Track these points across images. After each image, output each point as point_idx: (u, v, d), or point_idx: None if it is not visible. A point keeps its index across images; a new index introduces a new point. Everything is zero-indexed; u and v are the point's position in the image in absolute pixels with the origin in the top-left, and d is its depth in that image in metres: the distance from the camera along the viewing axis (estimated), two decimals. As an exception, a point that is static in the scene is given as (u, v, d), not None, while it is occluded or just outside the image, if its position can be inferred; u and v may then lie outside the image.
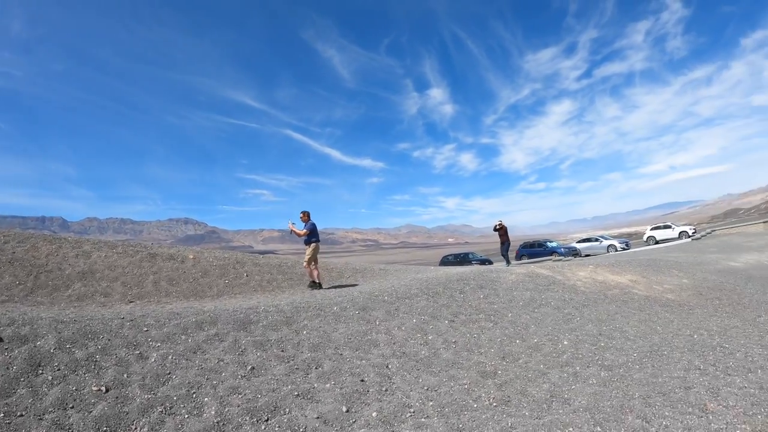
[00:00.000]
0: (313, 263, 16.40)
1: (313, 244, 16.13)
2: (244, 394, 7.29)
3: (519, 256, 43.23)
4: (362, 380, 8.39)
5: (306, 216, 16.33)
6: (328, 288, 16.79)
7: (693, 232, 49.75)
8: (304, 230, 16.05)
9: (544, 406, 8.03)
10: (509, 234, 26.19)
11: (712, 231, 50.64)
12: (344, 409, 7.30)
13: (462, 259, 42.95)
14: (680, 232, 49.52)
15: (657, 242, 49.38)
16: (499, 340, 11.55)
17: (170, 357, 8.11)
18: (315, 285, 16.36)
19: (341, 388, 7.95)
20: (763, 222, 50.77)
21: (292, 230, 15.86)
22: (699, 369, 9.95)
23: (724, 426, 7.34)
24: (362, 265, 22.29)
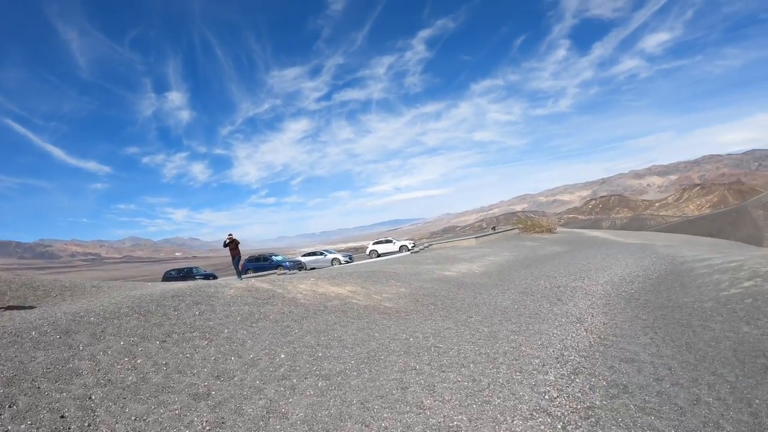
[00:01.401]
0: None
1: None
2: None
3: (245, 270, 42.41)
4: (62, 416, 7.45)
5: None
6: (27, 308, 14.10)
7: (412, 246, 54.53)
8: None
9: (261, 423, 7.64)
10: (240, 248, 25.24)
11: (430, 245, 56.38)
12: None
13: (186, 274, 40.64)
14: (401, 246, 53.73)
15: (379, 255, 52.83)
16: (213, 358, 10.69)
17: None
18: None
19: (38, 429, 7.03)
20: (475, 237, 58.46)
21: None
22: (415, 369, 10.56)
23: (442, 419, 7.63)
24: (72, 282, 19.28)
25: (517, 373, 10.26)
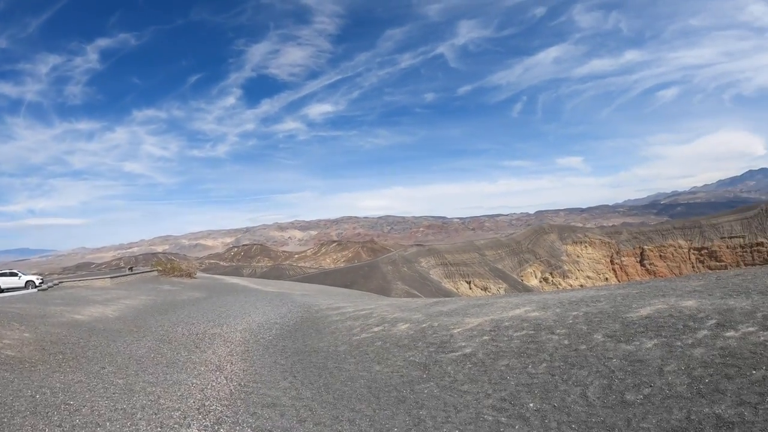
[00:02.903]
0: None
1: None
2: None
3: None
4: None
5: None
6: None
7: (40, 282, 47.48)
8: None
9: None
10: None
11: (60, 282, 50.03)
12: None
13: None
14: (27, 281, 46.42)
15: (2, 291, 44.97)
16: None
17: None
18: None
19: None
20: (111, 277, 54.13)
21: None
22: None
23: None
24: None
25: (158, 429, 10.17)
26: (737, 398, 7.37)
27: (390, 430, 9.83)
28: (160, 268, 66.46)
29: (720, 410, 7.25)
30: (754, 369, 7.94)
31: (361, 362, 15.26)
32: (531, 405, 9.44)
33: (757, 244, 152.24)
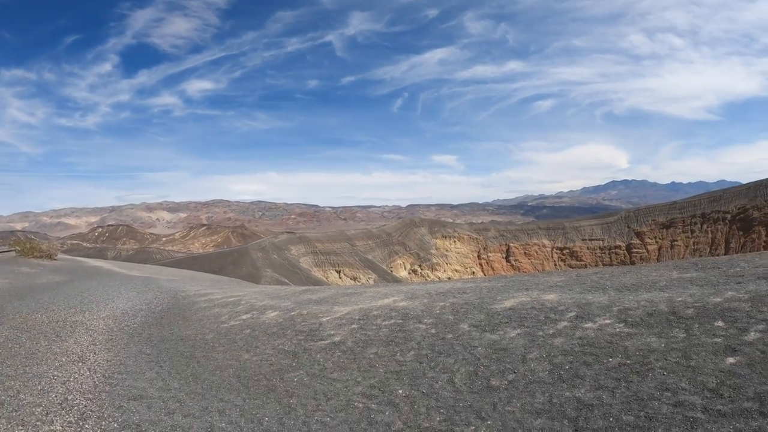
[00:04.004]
0: None
1: None
2: None
3: None
4: None
5: None
6: None
7: None
8: None
9: None
10: None
11: None
12: None
13: None
14: None
15: None
16: None
17: None
18: None
19: None
20: None
21: None
22: None
23: None
24: None
25: (20, 427, 9.30)
26: (595, 383, 7.88)
27: (261, 419, 9.59)
28: (18, 248, 60.77)
29: (580, 394, 7.71)
30: (611, 357, 8.53)
31: (230, 351, 14.80)
32: (400, 391, 9.56)
33: (615, 247, 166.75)
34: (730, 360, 7.53)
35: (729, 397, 6.73)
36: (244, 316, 18.93)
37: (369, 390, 9.98)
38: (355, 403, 9.52)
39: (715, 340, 8.24)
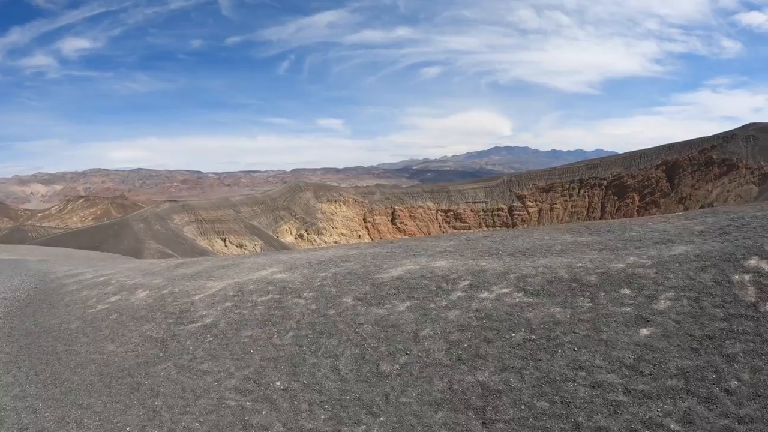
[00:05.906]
0: None
1: None
2: None
3: None
4: None
5: None
6: None
7: None
8: None
9: None
10: None
11: None
12: None
13: None
14: None
15: None
16: None
17: None
18: None
19: None
20: None
21: None
22: None
23: None
24: None
25: None
26: (500, 363, 7.13)
27: (122, 429, 8.28)
28: None
29: (483, 377, 6.93)
30: (513, 332, 7.79)
31: (94, 341, 13.04)
32: (278, 384, 8.47)
33: (498, 209, 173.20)
34: (644, 331, 7.03)
35: (650, 374, 6.18)
36: (113, 298, 16.97)
37: (243, 383, 8.82)
38: (228, 401, 8.36)
39: (624, 309, 7.77)
